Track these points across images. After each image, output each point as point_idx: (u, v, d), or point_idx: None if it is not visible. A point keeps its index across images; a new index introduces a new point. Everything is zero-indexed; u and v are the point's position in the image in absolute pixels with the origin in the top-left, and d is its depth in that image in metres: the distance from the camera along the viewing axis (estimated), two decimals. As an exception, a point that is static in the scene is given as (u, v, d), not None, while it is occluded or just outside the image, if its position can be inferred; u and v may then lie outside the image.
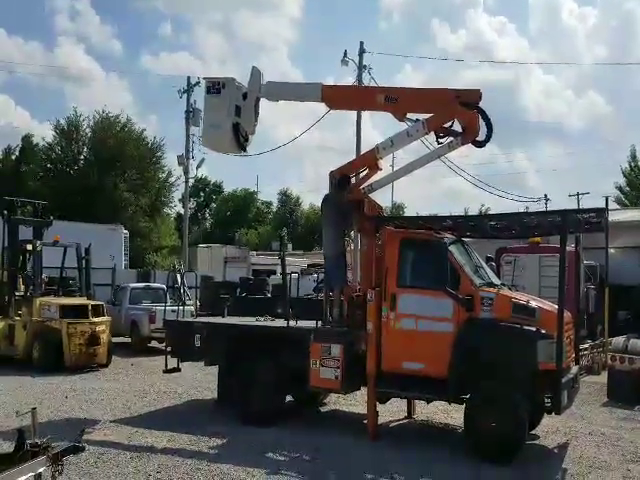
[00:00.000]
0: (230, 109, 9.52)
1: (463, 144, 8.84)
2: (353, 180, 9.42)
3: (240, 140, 9.75)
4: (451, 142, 8.86)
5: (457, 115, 8.67)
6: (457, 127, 8.79)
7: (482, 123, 8.66)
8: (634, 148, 41.88)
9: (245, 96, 9.65)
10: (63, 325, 13.71)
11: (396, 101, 9.01)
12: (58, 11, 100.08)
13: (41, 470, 4.32)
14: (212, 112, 9.79)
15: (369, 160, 9.39)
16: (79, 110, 41.85)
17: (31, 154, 43.76)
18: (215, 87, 9.62)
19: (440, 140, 8.95)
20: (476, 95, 8.68)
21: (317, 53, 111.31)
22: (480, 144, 8.82)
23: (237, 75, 9.89)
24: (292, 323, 9.10)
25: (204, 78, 10.20)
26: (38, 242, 14.81)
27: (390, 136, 9.30)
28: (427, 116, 8.88)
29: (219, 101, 9.59)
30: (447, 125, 8.81)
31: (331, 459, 7.38)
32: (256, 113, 9.87)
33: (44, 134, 44.43)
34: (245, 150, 10.08)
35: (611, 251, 15.85)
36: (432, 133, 8.97)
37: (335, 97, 9.78)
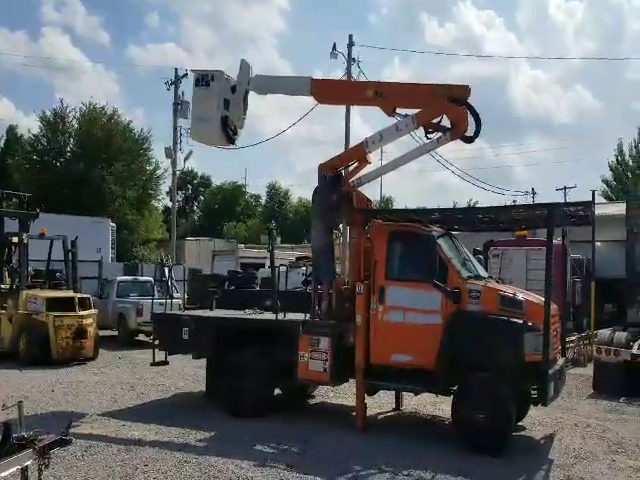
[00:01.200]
0: (219, 102, 9.46)
1: (452, 139, 8.86)
2: (342, 172, 9.41)
3: (229, 133, 9.70)
4: (440, 137, 8.87)
5: (446, 111, 8.67)
6: (446, 122, 8.79)
7: (471, 119, 8.67)
8: (621, 142, 42.33)
9: (234, 89, 9.59)
10: (50, 318, 13.62)
11: (385, 96, 9.00)
12: (44, 1, 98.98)
13: (28, 463, 4.31)
14: (201, 105, 9.72)
15: (358, 154, 9.38)
16: (65, 101, 41.38)
17: (16, 146, 43.32)
18: (204, 80, 9.54)
19: (429, 135, 8.97)
20: (465, 91, 8.68)
21: (306, 45, 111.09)
22: (469, 140, 8.83)
23: (225, 67, 9.87)
24: (281, 316, 9.09)
25: (192, 70, 10.14)
26: (24, 235, 14.67)
27: (379, 130, 9.30)
28: (416, 111, 8.88)
29: (208, 94, 9.52)
30: (436, 120, 8.82)
31: (319, 451, 7.40)
32: (245, 106, 9.82)
33: (29, 125, 44.06)
34: (234, 143, 10.02)
35: (597, 244, 16.00)
36: (421, 128, 8.98)
37: (324, 91, 9.74)
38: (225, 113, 9.54)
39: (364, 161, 9.34)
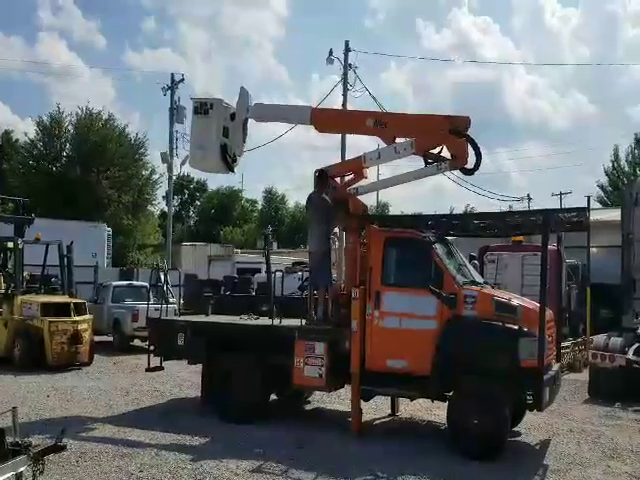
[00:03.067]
0: (218, 130, 9.45)
1: (451, 170, 8.87)
2: (338, 180, 9.43)
3: (228, 161, 9.66)
4: (439, 165, 8.84)
5: (445, 142, 8.64)
6: (446, 152, 8.72)
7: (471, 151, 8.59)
8: (617, 148, 42.45)
9: (233, 116, 9.58)
10: (45, 323, 13.58)
11: (385, 126, 8.98)
12: (40, 6, 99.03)
13: (22, 469, 4.30)
14: (200, 133, 9.68)
15: (355, 167, 9.40)
16: (62, 106, 40.96)
17: (11, 150, 43.20)
18: (203, 108, 9.51)
19: (429, 166, 8.97)
20: (465, 122, 8.63)
21: (302, 50, 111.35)
22: (468, 172, 8.78)
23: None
24: (276, 321, 9.09)
25: (192, 98, 10.10)
26: (19, 239, 14.63)
27: (379, 148, 9.34)
28: None
29: (207, 122, 9.49)
30: (436, 151, 8.77)
31: (314, 456, 7.38)
32: (244, 134, 9.79)
33: (26, 130, 43.98)
34: (233, 171, 10.01)
35: (593, 250, 16.01)
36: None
37: (324, 121, 9.78)
38: (224, 141, 9.51)
39: (360, 175, 9.34)
